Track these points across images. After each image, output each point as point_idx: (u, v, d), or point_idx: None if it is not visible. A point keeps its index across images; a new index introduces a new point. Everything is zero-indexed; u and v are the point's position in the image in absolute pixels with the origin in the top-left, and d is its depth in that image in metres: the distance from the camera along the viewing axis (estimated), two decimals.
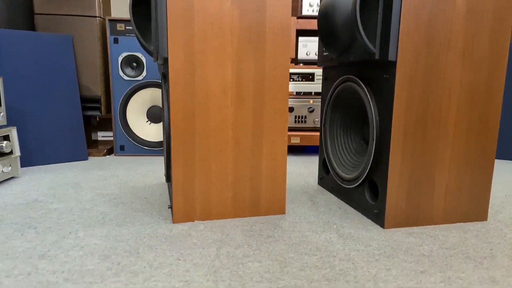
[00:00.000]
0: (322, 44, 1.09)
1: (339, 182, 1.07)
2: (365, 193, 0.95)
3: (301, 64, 2.14)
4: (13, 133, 1.25)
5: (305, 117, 1.72)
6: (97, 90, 1.62)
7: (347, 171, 1.04)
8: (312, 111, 1.71)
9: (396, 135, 0.83)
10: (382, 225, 0.88)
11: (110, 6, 1.76)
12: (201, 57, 0.83)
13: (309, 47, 2.13)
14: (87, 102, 1.63)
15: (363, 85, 0.92)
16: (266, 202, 0.94)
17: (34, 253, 0.72)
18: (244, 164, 0.91)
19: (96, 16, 1.57)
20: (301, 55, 2.16)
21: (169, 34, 0.81)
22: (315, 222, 0.90)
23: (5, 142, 1.18)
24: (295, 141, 1.70)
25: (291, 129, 1.73)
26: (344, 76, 1.02)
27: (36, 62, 1.45)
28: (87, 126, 1.77)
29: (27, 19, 1.58)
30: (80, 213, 0.94)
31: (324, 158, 1.18)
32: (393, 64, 0.81)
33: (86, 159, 1.58)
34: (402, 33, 0.79)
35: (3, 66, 1.38)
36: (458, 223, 0.91)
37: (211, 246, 0.76)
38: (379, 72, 0.86)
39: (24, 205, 1.00)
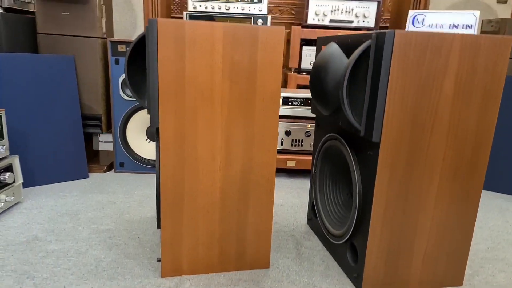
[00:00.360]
0: (313, 101, 1.10)
1: (325, 234, 1.11)
2: (347, 253, 0.99)
3: (304, 73, 2.15)
4: (16, 162, 1.29)
5: (302, 140, 1.74)
6: (98, 109, 1.65)
7: (334, 225, 1.07)
8: (309, 136, 1.73)
9: (377, 208, 0.86)
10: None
11: (113, 28, 1.77)
12: (191, 126, 0.86)
13: (313, 56, 2.13)
14: (88, 119, 1.67)
15: (350, 152, 0.94)
16: (252, 256, 0.99)
17: None
18: (230, 222, 0.95)
19: (97, 37, 1.58)
20: (305, 64, 2.16)
21: (161, 107, 0.83)
22: (295, 282, 0.95)
23: (8, 173, 1.23)
24: (291, 164, 1.73)
25: (287, 152, 1.76)
26: (333, 134, 1.04)
27: (38, 83, 1.48)
28: (88, 142, 1.82)
29: (30, 38, 1.60)
30: (75, 258, 1.00)
31: (313, 202, 1.21)
32: (377, 144, 0.83)
33: (86, 176, 1.63)
34: (387, 116, 0.81)
35: (5, 88, 1.41)
36: None
37: None
38: (365, 145, 0.88)
39: (24, 244, 1.05)
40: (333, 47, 0.98)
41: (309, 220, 1.27)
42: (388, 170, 0.84)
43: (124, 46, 1.59)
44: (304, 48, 2.10)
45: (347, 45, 0.92)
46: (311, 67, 2.11)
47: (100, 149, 2.02)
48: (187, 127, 0.86)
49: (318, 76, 1.01)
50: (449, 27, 1.64)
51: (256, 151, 0.91)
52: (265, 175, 0.93)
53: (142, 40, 0.91)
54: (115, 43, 1.59)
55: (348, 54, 0.91)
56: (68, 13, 1.55)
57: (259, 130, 0.90)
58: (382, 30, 0.78)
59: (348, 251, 0.98)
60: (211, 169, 0.90)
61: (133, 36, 2.28)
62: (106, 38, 1.64)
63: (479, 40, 0.80)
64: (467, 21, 1.64)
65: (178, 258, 0.94)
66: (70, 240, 1.10)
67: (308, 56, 2.16)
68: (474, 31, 1.59)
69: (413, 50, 0.78)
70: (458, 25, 1.63)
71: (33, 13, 1.63)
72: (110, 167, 1.76)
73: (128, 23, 2.24)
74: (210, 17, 1.81)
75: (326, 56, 0.99)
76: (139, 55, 0.94)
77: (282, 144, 1.74)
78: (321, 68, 1.00)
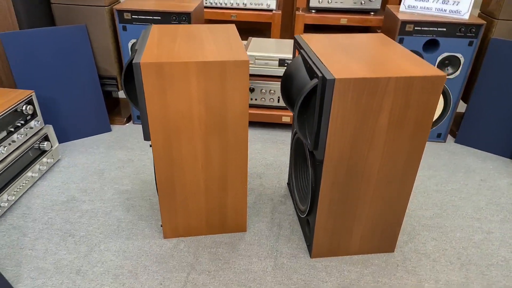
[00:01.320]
0: (283, 101, 1.25)
1: (294, 205, 1.38)
2: (305, 225, 1.27)
3: (312, 12, 2.19)
4: (50, 130, 1.58)
5: None
6: (113, 70, 1.86)
7: (301, 199, 1.33)
8: None
9: (323, 202, 1.10)
10: (310, 255, 1.22)
11: None
12: (176, 139, 1.08)
13: None
14: (106, 79, 1.89)
15: (307, 152, 1.14)
16: (231, 224, 1.29)
17: (73, 268, 1.14)
18: (213, 203, 1.23)
19: (104, 6, 1.70)
20: (313, 2, 2.19)
21: (150, 126, 1.05)
22: (263, 245, 1.25)
23: (46, 142, 1.53)
24: (286, 120, 1.93)
25: (282, 108, 1.94)
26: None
27: (57, 53, 1.68)
28: (109, 98, 2.06)
29: (46, 8, 1.74)
30: (103, 219, 1.34)
31: (291, 172, 1.45)
32: (321, 161, 1.03)
33: (110, 130, 1.92)
34: (329, 141, 0.99)
35: (31, 62, 1.63)
36: (369, 254, 1.23)
37: (184, 271, 1.14)
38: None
39: (65, 204, 1.40)
40: (299, 62, 1.11)
41: (288, 184, 1.53)
42: (330, 179, 1.06)
43: (129, 14, 1.72)
44: None
45: (308, 65, 1.06)
46: (320, 5, 2.13)
47: (120, 97, 2.26)
48: (173, 140, 1.08)
49: (285, 85, 1.17)
50: (442, 2, 1.63)
51: (230, 154, 1.14)
52: (239, 171, 1.17)
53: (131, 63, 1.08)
54: (121, 11, 1.71)
55: (310, 72, 1.05)
56: None
57: (232, 139, 1.11)
58: (328, 72, 0.92)
59: (306, 224, 1.26)
60: (195, 168, 1.14)
61: None
62: (111, 6, 1.76)
63: (412, 81, 0.92)
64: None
65: (175, 226, 1.25)
66: (98, 200, 1.43)
67: None
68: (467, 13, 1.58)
69: (351, 92, 0.92)
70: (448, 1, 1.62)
71: None
72: (129, 119, 2.03)
73: None
74: None
75: (293, 69, 1.13)
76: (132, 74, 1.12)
77: (278, 101, 1.91)
78: (289, 78, 1.15)
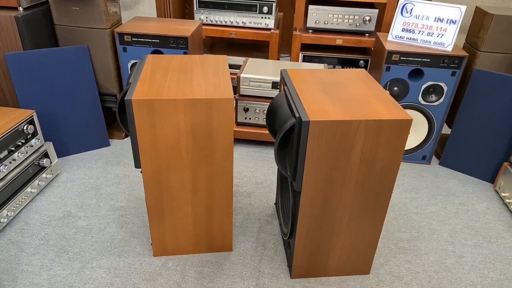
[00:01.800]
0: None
1: (279, 227, 1.46)
2: (287, 247, 1.34)
3: (310, 32, 2.28)
4: (50, 147, 1.67)
5: None
6: (113, 88, 1.94)
7: (284, 223, 1.41)
8: None
9: (301, 230, 1.18)
10: (290, 275, 1.29)
11: (121, 16, 1.93)
12: (165, 166, 1.17)
13: (319, 15, 2.23)
14: (106, 96, 1.97)
15: (289, 180, 1.22)
16: (218, 243, 1.37)
17: (66, 284, 1.22)
18: (200, 224, 1.31)
19: (106, 29, 1.79)
20: (310, 23, 2.28)
21: (141, 155, 1.13)
22: (247, 265, 1.33)
23: (45, 159, 1.61)
24: None
25: None
26: None
27: (60, 71, 1.77)
28: (109, 114, 2.15)
29: (49, 28, 1.83)
30: (97, 235, 1.42)
31: (278, 193, 1.53)
32: (299, 193, 1.11)
33: (108, 144, 2.00)
34: (306, 175, 1.07)
35: (35, 80, 1.72)
36: (345, 276, 1.31)
37: None
38: None
39: (61, 220, 1.48)
40: (283, 97, 1.19)
41: (276, 204, 1.61)
42: (307, 208, 1.14)
43: (129, 37, 1.80)
44: (310, 7, 2.18)
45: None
46: (317, 26, 2.21)
47: None
48: (162, 168, 1.16)
49: (269, 118, 1.25)
50: (434, 20, 1.71)
51: (216, 182, 1.22)
52: (224, 197, 1.25)
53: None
54: (122, 34, 1.79)
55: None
56: (78, 8, 1.74)
57: (218, 168, 1.19)
58: (304, 113, 1.00)
59: (287, 245, 1.34)
60: (183, 194, 1.23)
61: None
62: (112, 29, 1.84)
63: (381, 124, 1.00)
64: (452, 16, 1.70)
65: (164, 244, 1.33)
66: (93, 216, 1.51)
67: (314, 15, 2.25)
68: (456, 26, 1.67)
69: (325, 133, 1.00)
70: (443, 19, 1.70)
71: (47, 2, 1.82)
72: (127, 134, 2.12)
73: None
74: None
75: (277, 104, 1.21)
76: None
77: None
78: (273, 112, 1.23)
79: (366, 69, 2.33)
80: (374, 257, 1.39)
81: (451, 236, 1.51)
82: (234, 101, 1.79)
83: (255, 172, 1.86)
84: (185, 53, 1.81)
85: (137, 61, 1.86)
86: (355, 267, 1.30)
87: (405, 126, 1.01)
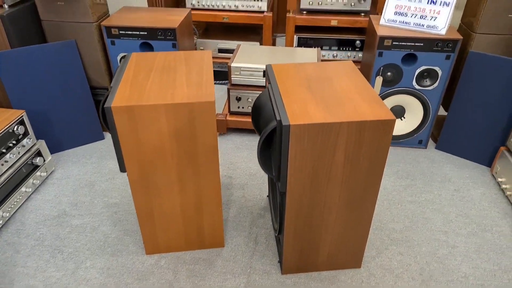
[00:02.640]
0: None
1: (271, 223, 1.46)
2: (278, 242, 1.35)
3: (304, 13, 2.23)
4: (42, 145, 1.67)
5: None
6: (104, 81, 1.92)
7: (275, 217, 1.41)
8: None
9: (288, 228, 1.18)
10: (281, 271, 1.31)
11: (108, 8, 1.89)
12: (151, 169, 1.16)
13: None
14: (98, 89, 1.96)
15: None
16: (209, 240, 1.38)
17: (61, 285, 1.25)
18: (190, 223, 1.32)
19: (92, 22, 1.75)
20: (304, 4, 2.22)
21: (125, 159, 1.13)
22: (239, 261, 1.35)
23: (38, 158, 1.62)
24: None
25: None
26: None
27: (49, 68, 1.75)
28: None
29: (36, 24, 1.80)
30: (90, 234, 1.44)
31: (269, 187, 1.53)
32: (284, 193, 1.10)
33: (103, 138, 2.00)
34: (290, 176, 1.06)
35: (24, 78, 1.71)
36: (336, 271, 1.32)
37: None
38: None
39: (56, 219, 1.50)
40: (266, 97, 1.17)
41: (268, 196, 1.61)
42: (294, 207, 1.13)
43: (117, 30, 1.77)
44: None
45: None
46: (311, 7, 2.16)
47: None
48: (148, 171, 1.16)
49: (254, 115, 1.23)
50: (428, 3, 1.65)
51: (203, 182, 1.21)
52: (213, 195, 1.25)
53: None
54: (109, 28, 1.76)
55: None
56: (62, 3, 1.71)
57: (204, 169, 1.19)
58: (285, 117, 0.98)
59: (278, 241, 1.34)
60: (170, 194, 1.23)
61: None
62: (99, 22, 1.80)
63: (364, 125, 0.98)
64: None
65: (156, 243, 1.35)
66: (88, 215, 1.53)
67: None
68: (450, 9, 1.61)
69: (307, 136, 0.98)
70: (436, 1, 1.64)
71: None
72: None
73: None
74: None
75: (262, 101, 1.19)
76: None
77: None
78: (257, 110, 1.21)
79: (362, 50, 2.27)
80: (366, 249, 1.40)
81: (444, 225, 1.50)
82: (227, 91, 1.75)
83: (248, 162, 1.86)
84: (173, 44, 1.78)
85: (126, 54, 1.83)
86: (346, 262, 1.31)
87: (388, 125, 0.99)
